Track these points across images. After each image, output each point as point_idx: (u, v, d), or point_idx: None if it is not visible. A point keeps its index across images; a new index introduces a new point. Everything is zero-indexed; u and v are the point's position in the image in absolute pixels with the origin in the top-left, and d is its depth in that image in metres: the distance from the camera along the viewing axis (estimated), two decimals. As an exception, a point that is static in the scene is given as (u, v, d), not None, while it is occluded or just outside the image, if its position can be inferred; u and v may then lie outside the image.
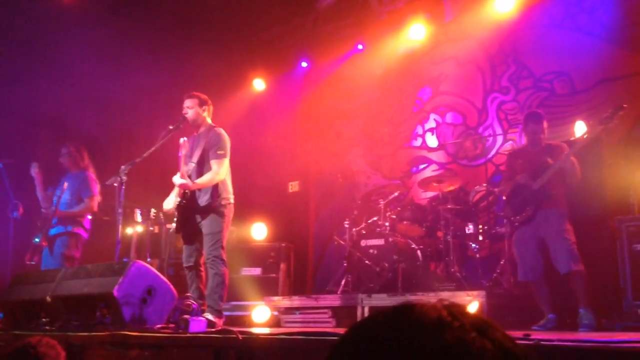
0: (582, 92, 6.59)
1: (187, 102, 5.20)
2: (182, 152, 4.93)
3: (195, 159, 5.03)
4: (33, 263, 6.09)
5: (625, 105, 4.73)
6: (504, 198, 5.55)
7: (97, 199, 6.49)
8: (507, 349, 0.72)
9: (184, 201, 4.94)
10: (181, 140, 5.02)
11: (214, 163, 4.96)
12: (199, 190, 4.97)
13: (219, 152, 4.98)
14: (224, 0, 8.28)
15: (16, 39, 8.18)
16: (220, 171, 4.95)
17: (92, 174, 6.58)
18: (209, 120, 5.25)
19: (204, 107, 5.21)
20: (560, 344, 2.65)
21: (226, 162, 5.04)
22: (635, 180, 5.12)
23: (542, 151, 5.20)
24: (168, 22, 8.44)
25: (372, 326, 0.75)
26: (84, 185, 6.45)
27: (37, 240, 6.13)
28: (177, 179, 4.87)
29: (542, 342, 2.60)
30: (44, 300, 4.55)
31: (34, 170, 6.42)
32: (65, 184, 6.32)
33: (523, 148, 5.64)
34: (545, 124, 5.26)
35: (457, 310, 0.74)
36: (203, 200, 4.97)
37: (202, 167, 5.03)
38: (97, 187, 6.51)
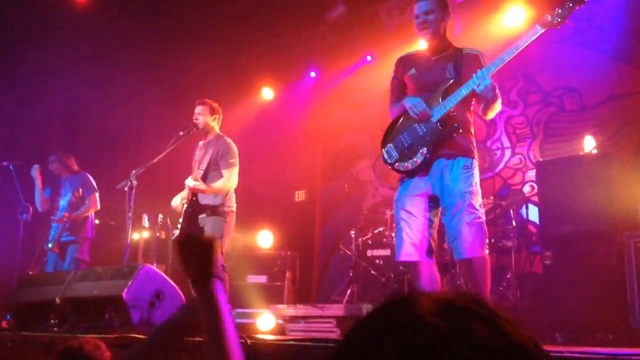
0: (590, 108, 6.62)
1: (198, 109, 5.23)
2: (196, 157, 4.97)
3: (203, 166, 5.06)
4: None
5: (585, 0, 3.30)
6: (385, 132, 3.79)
7: (98, 194, 6.50)
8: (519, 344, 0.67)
9: (190, 209, 4.95)
10: (200, 142, 5.07)
11: (225, 171, 5.00)
12: (206, 196, 4.98)
13: (230, 161, 5.02)
14: (234, 9, 8.35)
15: (30, 43, 8.25)
16: (232, 179, 4.99)
17: (87, 174, 6.60)
18: (217, 129, 5.28)
19: (214, 115, 5.25)
20: (570, 356, 2.66)
21: (237, 170, 5.07)
22: (644, 197, 5.12)
23: (445, 59, 3.61)
24: (177, 29, 8.51)
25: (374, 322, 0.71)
26: (85, 184, 6.47)
27: (49, 245, 6.16)
28: (189, 182, 4.89)
29: (551, 354, 2.61)
30: (53, 302, 4.56)
31: (35, 172, 6.43)
32: (66, 187, 6.39)
33: (419, 53, 3.84)
34: None
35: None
36: (208, 203, 4.97)
37: (207, 175, 5.05)
38: (95, 184, 6.53)
